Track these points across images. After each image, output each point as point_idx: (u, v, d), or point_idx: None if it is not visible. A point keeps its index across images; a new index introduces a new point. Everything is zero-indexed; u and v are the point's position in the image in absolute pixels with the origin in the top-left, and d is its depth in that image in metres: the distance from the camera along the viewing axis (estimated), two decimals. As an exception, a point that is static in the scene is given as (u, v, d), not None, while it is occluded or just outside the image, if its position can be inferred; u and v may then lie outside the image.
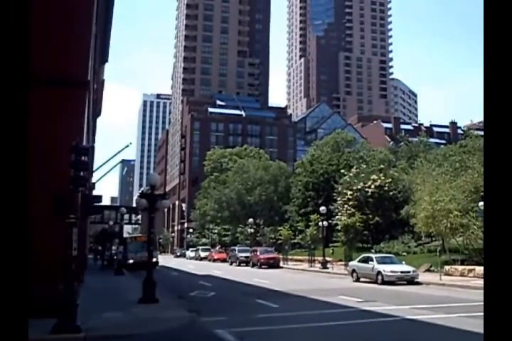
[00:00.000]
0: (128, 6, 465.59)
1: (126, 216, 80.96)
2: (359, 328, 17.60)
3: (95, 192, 57.48)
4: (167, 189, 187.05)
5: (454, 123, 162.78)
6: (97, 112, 49.90)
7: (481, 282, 32.86)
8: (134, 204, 53.44)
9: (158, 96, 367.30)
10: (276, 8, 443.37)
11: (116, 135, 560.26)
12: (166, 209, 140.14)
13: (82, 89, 20.41)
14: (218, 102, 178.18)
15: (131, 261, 53.64)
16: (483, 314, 7.88)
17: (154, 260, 49.75)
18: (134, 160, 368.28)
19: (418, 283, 35.16)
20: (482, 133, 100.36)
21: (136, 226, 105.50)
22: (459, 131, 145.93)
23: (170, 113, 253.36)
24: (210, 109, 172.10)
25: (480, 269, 36.62)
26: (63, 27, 19.80)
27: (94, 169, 43.34)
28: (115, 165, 49.80)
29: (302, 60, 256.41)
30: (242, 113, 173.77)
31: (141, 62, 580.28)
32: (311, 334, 16.69)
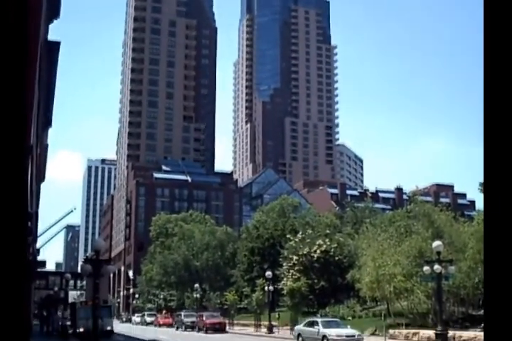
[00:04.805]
0: (71, 70, 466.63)
1: (72, 282, 79.77)
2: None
3: (40, 258, 56.75)
4: (112, 254, 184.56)
5: (399, 189, 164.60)
6: (40, 177, 49.63)
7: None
8: (80, 270, 52.00)
9: (103, 161, 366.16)
10: (222, 73, 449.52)
11: (61, 200, 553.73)
12: (111, 275, 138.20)
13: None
14: (164, 167, 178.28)
15: (81, 330, 45.47)
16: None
17: (109, 328, 48.32)
18: (79, 226, 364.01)
19: (363, 347, 35.32)
20: (426, 198, 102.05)
21: (82, 292, 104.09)
22: (405, 196, 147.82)
23: (115, 178, 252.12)
24: (156, 175, 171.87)
25: (424, 332, 36.96)
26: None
27: (38, 234, 42.91)
28: (59, 231, 49.38)
29: (248, 125, 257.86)
30: (188, 178, 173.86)
31: (85, 127, 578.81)
32: None
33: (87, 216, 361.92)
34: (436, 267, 32.99)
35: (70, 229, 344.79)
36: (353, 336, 36.24)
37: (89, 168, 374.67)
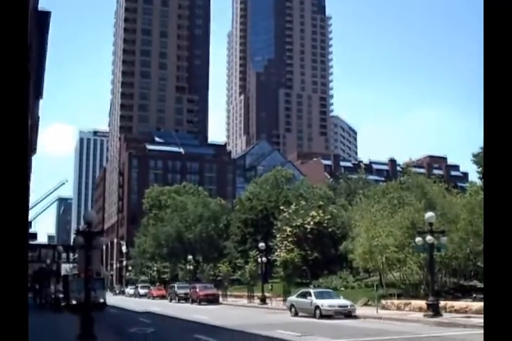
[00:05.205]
0: (63, 41, 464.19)
1: (64, 254, 79.72)
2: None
3: (31, 231, 56.66)
4: (105, 227, 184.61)
5: (392, 161, 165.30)
6: (32, 149, 49.43)
7: (416, 315, 33.39)
8: (72, 243, 51.79)
9: (96, 133, 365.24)
10: (216, 44, 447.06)
11: (53, 172, 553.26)
12: (104, 247, 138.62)
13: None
14: (157, 139, 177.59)
15: (74, 302, 44.71)
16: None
17: (102, 300, 48.47)
18: (71, 198, 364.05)
19: (356, 317, 35.43)
20: (420, 170, 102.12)
21: (75, 264, 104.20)
22: (398, 168, 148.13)
23: (107, 150, 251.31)
24: (149, 146, 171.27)
25: (416, 303, 37.15)
26: None
27: (30, 207, 42.81)
28: (51, 204, 49.29)
29: (242, 96, 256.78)
30: (181, 150, 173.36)
31: (78, 99, 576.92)
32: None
33: (80, 188, 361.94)
34: (429, 238, 33.11)
35: (63, 201, 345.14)
36: (346, 306, 36.39)
37: (82, 140, 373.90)
